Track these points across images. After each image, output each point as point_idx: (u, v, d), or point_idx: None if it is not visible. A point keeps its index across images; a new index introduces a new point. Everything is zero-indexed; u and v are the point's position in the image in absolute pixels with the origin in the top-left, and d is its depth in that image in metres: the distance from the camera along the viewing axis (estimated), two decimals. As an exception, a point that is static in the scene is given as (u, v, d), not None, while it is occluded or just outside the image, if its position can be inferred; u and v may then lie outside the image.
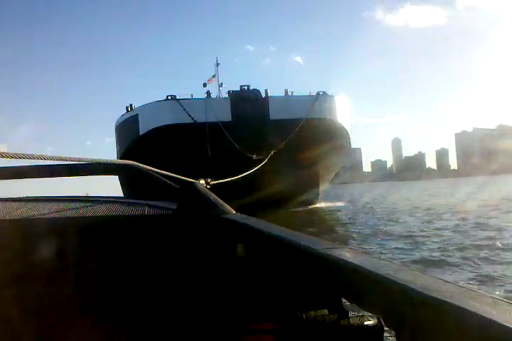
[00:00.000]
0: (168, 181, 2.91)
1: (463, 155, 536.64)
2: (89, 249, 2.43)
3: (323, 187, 35.34)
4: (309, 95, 29.16)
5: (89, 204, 3.21)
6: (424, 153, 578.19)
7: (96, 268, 2.40)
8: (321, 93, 29.26)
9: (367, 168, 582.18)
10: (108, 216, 2.74)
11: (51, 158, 2.06)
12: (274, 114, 27.47)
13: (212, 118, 26.22)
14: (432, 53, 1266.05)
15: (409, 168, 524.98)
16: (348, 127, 31.89)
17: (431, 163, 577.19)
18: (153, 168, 3.00)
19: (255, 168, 13.56)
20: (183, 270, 2.41)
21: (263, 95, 28.41)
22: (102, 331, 2.19)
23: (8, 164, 2.69)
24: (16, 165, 2.82)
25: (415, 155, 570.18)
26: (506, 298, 0.93)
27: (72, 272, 2.36)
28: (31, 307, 2.24)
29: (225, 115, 26.82)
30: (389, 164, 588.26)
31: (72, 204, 3.15)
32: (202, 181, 3.24)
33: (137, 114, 29.05)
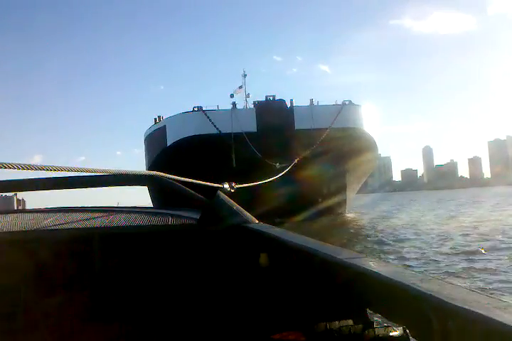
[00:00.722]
0: (190, 191, 2.92)
1: (496, 164, 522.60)
2: (112, 259, 2.47)
3: (351, 195, 35.11)
4: (335, 104, 29.20)
5: (113, 214, 3.24)
6: (456, 162, 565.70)
7: (118, 277, 2.43)
8: (346, 102, 29.30)
9: (397, 177, 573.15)
10: (131, 226, 2.78)
11: (72, 170, 2.10)
12: (300, 124, 27.63)
13: (237, 128, 26.60)
14: (464, 60, 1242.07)
15: (441, 177, 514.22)
16: (375, 136, 31.72)
17: (463, 171, 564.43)
18: (177, 177, 3.01)
19: (279, 175, 13.70)
20: (206, 280, 2.43)
21: (288, 105, 28.62)
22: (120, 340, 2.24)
23: (34, 176, 2.80)
24: (45, 177, 2.90)
25: (447, 163, 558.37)
26: None
27: (95, 281, 2.40)
28: (51, 314, 2.29)
29: (250, 125, 27.17)
30: (419, 173, 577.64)
31: (97, 215, 3.22)
32: (226, 185, 3.27)
33: (165, 126, 29.79)
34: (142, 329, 2.33)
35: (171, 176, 2.96)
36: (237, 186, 3.43)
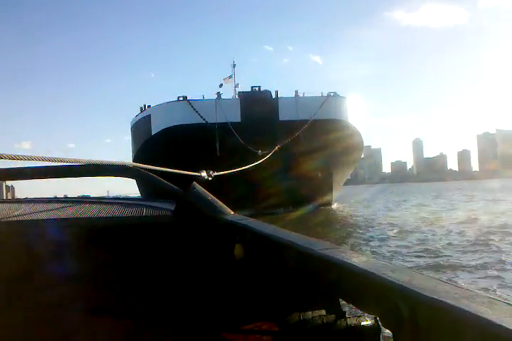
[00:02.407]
0: (165, 182, 2.82)
1: (485, 157, 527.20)
2: (85, 250, 2.43)
3: (338, 187, 35.40)
4: (320, 96, 29.30)
5: (85, 205, 3.22)
6: (445, 155, 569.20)
7: (92, 269, 2.39)
8: (331, 94, 29.41)
9: (387, 168, 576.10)
10: (104, 217, 2.75)
11: (48, 160, 2.07)
12: (284, 115, 27.75)
13: (221, 118, 26.64)
14: (455, 53, 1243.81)
15: (430, 170, 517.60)
16: (360, 128, 31.90)
17: (452, 164, 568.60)
18: (152, 167, 2.95)
19: (258, 162, 13.68)
20: (180, 271, 2.42)
21: (274, 96, 28.71)
22: (95, 332, 2.21)
23: (8, 165, 2.69)
24: (18, 167, 2.79)
25: (436, 156, 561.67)
26: (502, 298, 0.94)
27: (68, 273, 2.35)
28: (27, 308, 2.24)
29: (234, 116, 27.23)
30: (409, 165, 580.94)
31: (69, 206, 3.20)
32: (204, 173, 3.23)
33: (150, 115, 29.76)
34: (116, 321, 2.31)
35: (145, 166, 2.92)
36: (216, 174, 3.39)
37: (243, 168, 8.45)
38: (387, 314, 1.12)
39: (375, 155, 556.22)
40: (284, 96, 29.07)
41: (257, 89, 29.14)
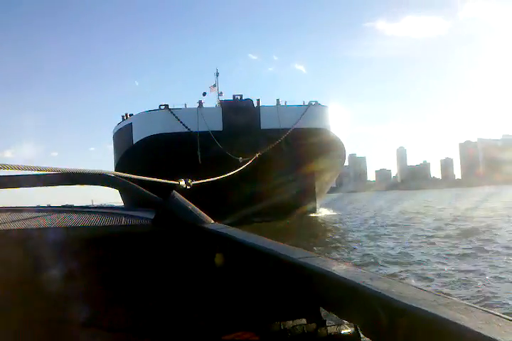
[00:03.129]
0: (144, 190, 2.79)
1: (467, 165, 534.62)
2: (65, 259, 2.39)
3: (321, 195, 35.51)
4: (302, 104, 29.50)
5: (64, 214, 3.17)
6: (429, 163, 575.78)
7: (71, 279, 2.35)
8: (313, 103, 29.64)
9: (371, 177, 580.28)
10: (82, 227, 2.70)
11: (25, 168, 2.01)
12: (265, 123, 27.82)
13: (203, 127, 26.63)
14: (436, 63, 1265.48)
15: (414, 178, 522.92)
16: (342, 136, 32.14)
17: (435, 172, 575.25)
18: (131, 175, 2.91)
19: (238, 169, 13.62)
20: (160, 280, 2.39)
21: (256, 105, 28.83)
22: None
23: None
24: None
25: (420, 164, 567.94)
26: (478, 305, 0.96)
27: (45, 281, 2.31)
28: (15, 318, 2.20)
29: (216, 124, 27.22)
30: (393, 173, 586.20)
31: (49, 215, 3.14)
32: (182, 182, 3.20)
33: (131, 123, 29.60)
34: (99, 330, 2.29)
35: (124, 175, 2.89)
36: (194, 182, 3.38)
37: (223, 176, 8.38)
38: (367, 322, 1.12)
39: (360, 164, 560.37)
40: (268, 104, 29.23)
41: (238, 97, 29.27)
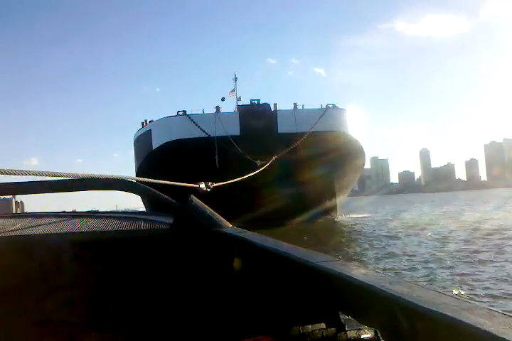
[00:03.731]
0: (163, 195, 2.78)
1: (492, 166, 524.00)
2: (84, 264, 2.41)
3: (342, 198, 35.34)
4: (319, 108, 29.46)
5: (84, 219, 3.21)
6: (453, 164, 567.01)
7: (91, 283, 2.38)
8: (330, 106, 29.57)
9: (394, 179, 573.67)
10: (100, 231, 2.73)
11: (44, 174, 2.04)
12: (283, 127, 27.86)
13: (221, 132, 26.82)
14: (461, 62, 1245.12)
15: (438, 180, 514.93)
16: (361, 139, 31.99)
17: (460, 174, 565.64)
18: (150, 180, 2.93)
19: (257, 171, 13.61)
20: (179, 284, 2.40)
21: (272, 109, 28.94)
22: None
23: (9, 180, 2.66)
24: (18, 181, 2.76)
25: (444, 166, 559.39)
26: (502, 310, 0.95)
27: (68, 288, 2.33)
28: (23, 323, 2.22)
29: (234, 129, 27.38)
30: (417, 175, 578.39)
31: (67, 220, 3.19)
32: (202, 185, 3.21)
33: (150, 129, 30.07)
34: (117, 335, 2.33)
35: (143, 179, 2.92)
36: (215, 185, 3.37)
37: (241, 178, 8.44)
38: (387, 326, 1.11)
39: (382, 166, 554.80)
40: (287, 108, 29.31)
41: (256, 102, 29.41)
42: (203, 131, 27.04)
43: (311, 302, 1.65)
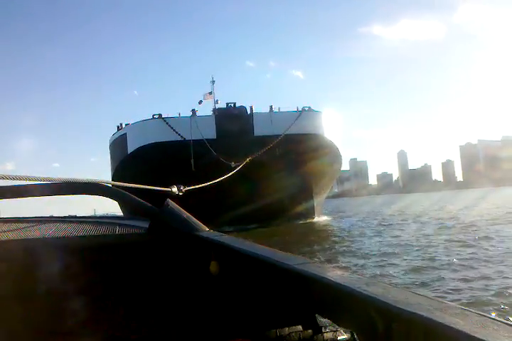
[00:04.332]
0: (138, 199, 2.75)
1: (468, 167, 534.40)
2: (56, 270, 2.35)
3: (320, 200, 35.60)
4: (295, 111, 29.68)
5: (58, 224, 3.15)
6: (430, 165, 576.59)
7: (63, 289, 2.32)
8: (306, 108, 29.86)
9: (373, 180, 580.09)
10: (75, 236, 2.67)
11: (16, 178, 2.00)
12: (259, 130, 28.02)
13: (197, 135, 26.75)
14: (434, 65, 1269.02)
15: (416, 180, 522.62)
16: (337, 142, 32.31)
17: (437, 175, 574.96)
18: (122, 183, 2.90)
19: (230, 173, 13.55)
20: (156, 289, 2.38)
21: (249, 112, 29.02)
22: None
23: None
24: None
25: (421, 167, 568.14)
26: (474, 309, 0.96)
27: (39, 294, 2.29)
28: (9, 331, 2.20)
29: (210, 132, 27.39)
30: (395, 176, 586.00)
31: (41, 225, 3.13)
32: (174, 188, 3.16)
33: (126, 133, 29.85)
34: (90, 339, 2.27)
35: (116, 183, 2.89)
36: (187, 188, 3.34)
37: (214, 181, 8.44)
38: (363, 328, 1.12)
39: (361, 168, 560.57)
40: (265, 111, 29.43)
41: (232, 105, 29.47)
42: (179, 135, 26.95)
43: (288, 305, 1.65)
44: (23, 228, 3.00)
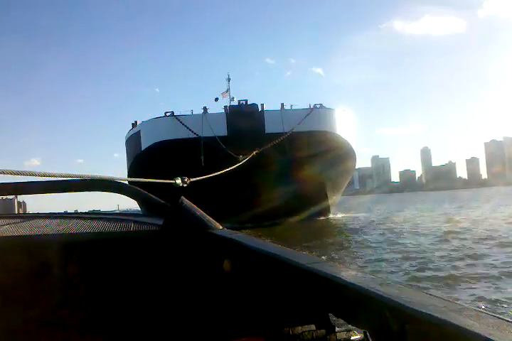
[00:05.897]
0: (152, 196, 2.79)
1: (492, 164, 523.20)
2: (72, 266, 2.40)
3: (335, 198, 35.52)
4: (308, 108, 29.67)
5: (72, 220, 3.19)
6: (454, 163, 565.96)
7: (78, 285, 2.37)
8: (317, 106, 29.83)
9: (395, 178, 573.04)
10: (89, 233, 2.70)
11: (32, 174, 2.05)
12: (270, 127, 28.17)
13: (208, 133, 27.13)
14: (460, 61, 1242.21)
15: (439, 178, 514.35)
16: (350, 139, 32.18)
17: (461, 172, 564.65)
18: (131, 179, 2.93)
19: (236, 165, 13.55)
20: (169, 286, 2.40)
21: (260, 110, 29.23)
22: None
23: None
24: (19, 181, 2.80)
25: (445, 164, 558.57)
26: (489, 311, 0.96)
27: (56, 290, 2.32)
28: (13, 326, 2.23)
29: (221, 130, 27.75)
30: (418, 174, 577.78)
31: (56, 221, 3.19)
32: (178, 180, 3.18)
33: (139, 130, 30.40)
34: (108, 336, 2.32)
35: (122, 179, 2.89)
36: (192, 180, 3.36)
37: (219, 172, 8.59)
38: (376, 328, 1.12)
39: (383, 165, 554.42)
40: (269, 109, 29.60)
41: (243, 102, 29.69)
42: (191, 131, 27.33)
43: (301, 304, 1.66)
44: (43, 224, 3.09)
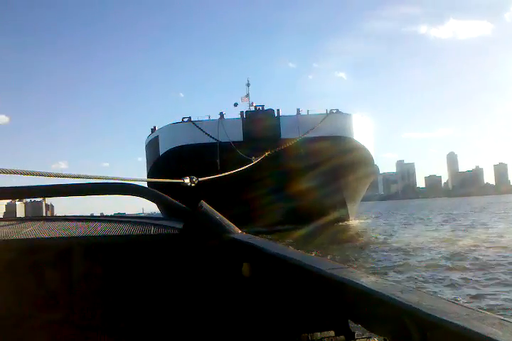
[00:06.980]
0: (171, 199, 2.82)
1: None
2: (92, 269, 2.43)
3: (354, 203, 35.38)
4: (325, 113, 29.68)
5: (93, 223, 3.25)
6: (481, 168, 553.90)
7: (99, 288, 2.40)
8: (334, 111, 29.87)
9: (421, 183, 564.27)
10: (109, 235, 2.71)
11: (52, 175, 2.08)
12: (286, 133, 28.32)
13: (224, 138, 27.52)
14: (486, 64, 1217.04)
15: (466, 184, 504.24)
16: (368, 144, 32.07)
17: (488, 178, 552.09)
18: (143, 179, 3.00)
19: (247, 166, 13.56)
20: (188, 290, 2.41)
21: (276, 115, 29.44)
22: None
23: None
24: (46, 184, 2.88)
25: (472, 170, 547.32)
26: None
27: (75, 293, 2.35)
28: (33, 329, 2.27)
29: (237, 135, 28.08)
30: (444, 179, 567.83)
31: (77, 224, 3.25)
32: (187, 180, 3.22)
33: (158, 135, 31.09)
34: (125, 338, 2.34)
35: (136, 179, 2.94)
36: (200, 179, 3.37)
37: (228, 172, 8.74)
38: (397, 335, 1.11)
39: (408, 170, 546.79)
40: (285, 115, 29.75)
41: (260, 108, 29.98)
42: (209, 136, 27.76)
43: (320, 310, 1.65)
44: (63, 227, 3.14)
